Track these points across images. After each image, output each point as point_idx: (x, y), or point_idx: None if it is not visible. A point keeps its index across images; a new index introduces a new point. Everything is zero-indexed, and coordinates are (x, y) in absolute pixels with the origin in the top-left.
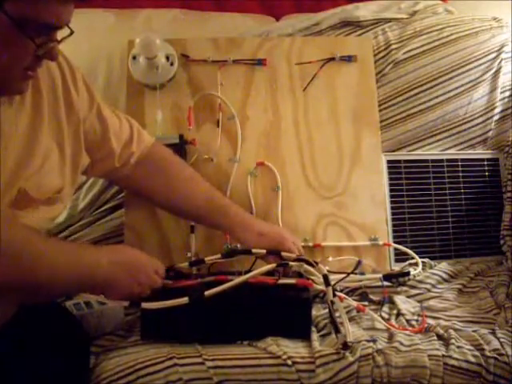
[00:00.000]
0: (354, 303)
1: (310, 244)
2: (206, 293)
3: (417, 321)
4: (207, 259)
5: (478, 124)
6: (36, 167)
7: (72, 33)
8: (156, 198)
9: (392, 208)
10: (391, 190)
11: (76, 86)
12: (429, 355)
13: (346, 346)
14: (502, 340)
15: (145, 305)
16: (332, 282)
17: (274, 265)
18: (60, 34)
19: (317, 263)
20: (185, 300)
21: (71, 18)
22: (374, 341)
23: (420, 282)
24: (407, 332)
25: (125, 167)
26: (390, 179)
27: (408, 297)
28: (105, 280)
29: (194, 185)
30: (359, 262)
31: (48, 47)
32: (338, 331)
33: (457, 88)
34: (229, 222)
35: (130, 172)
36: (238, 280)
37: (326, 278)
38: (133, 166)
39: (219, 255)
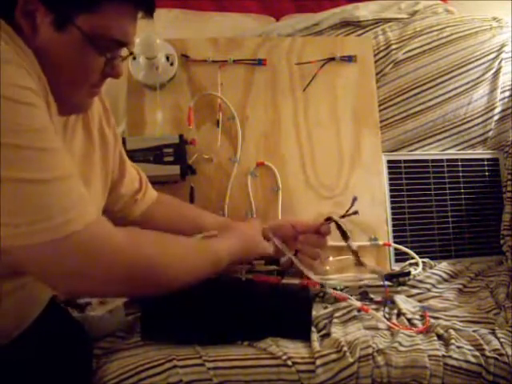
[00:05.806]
0: (358, 303)
1: None
2: None
3: (419, 320)
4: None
5: (478, 124)
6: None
7: (132, 53)
8: None
9: (392, 208)
10: (391, 190)
11: (109, 121)
12: (429, 355)
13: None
14: (502, 340)
15: None
16: (332, 282)
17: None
18: None
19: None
20: None
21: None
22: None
23: (420, 281)
24: (408, 332)
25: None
26: (390, 179)
27: (408, 296)
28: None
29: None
30: (355, 199)
31: (114, 64)
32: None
33: (457, 88)
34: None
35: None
36: None
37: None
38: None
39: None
